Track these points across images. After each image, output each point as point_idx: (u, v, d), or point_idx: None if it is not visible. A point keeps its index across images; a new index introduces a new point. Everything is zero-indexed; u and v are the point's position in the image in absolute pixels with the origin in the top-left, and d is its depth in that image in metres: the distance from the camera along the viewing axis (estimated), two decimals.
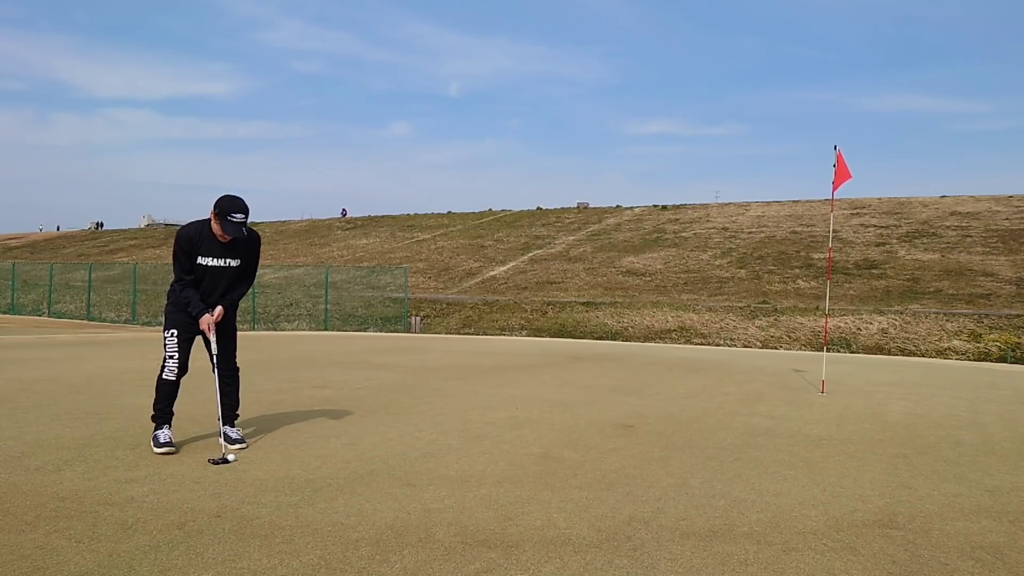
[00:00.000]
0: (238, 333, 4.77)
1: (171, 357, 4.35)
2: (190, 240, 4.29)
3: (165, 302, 4.53)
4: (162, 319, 4.59)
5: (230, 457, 4.21)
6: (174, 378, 4.36)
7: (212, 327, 4.39)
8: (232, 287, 4.49)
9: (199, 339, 4.50)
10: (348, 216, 71.60)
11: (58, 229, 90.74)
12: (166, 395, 4.37)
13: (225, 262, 4.38)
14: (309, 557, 2.83)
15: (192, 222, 4.41)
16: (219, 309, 4.42)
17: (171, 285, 4.46)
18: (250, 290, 5.76)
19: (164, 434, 4.33)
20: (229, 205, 4.22)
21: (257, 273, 4.75)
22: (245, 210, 4.26)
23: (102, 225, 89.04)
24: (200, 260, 4.32)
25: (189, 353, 4.43)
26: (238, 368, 4.68)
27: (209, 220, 4.33)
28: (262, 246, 4.79)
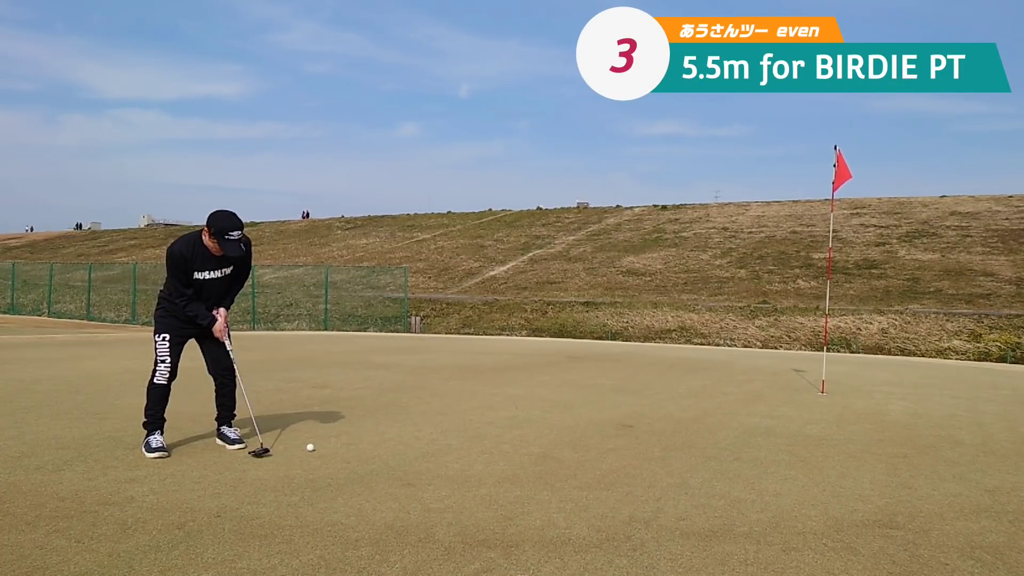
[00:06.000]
0: (232, 332, 4.82)
1: (162, 361, 4.36)
2: (184, 258, 4.29)
3: (155, 305, 4.54)
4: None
5: (266, 448, 4.39)
6: (165, 382, 4.36)
7: (224, 332, 4.47)
8: (227, 292, 4.57)
9: (191, 342, 4.54)
10: (311, 217, 70.94)
11: (31, 230, 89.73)
12: (157, 400, 4.37)
13: (220, 272, 4.43)
14: (309, 557, 2.83)
15: (182, 238, 4.40)
16: (223, 311, 4.50)
17: (161, 291, 4.48)
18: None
19: (156, 439, 4.33)
20: (225, 223, 4.23)
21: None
22: (240, 226, 4.28)
23: (81, 225, 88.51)
24: (196, 275, 4.34)
25: (180, 357, 4.45)
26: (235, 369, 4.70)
27: (200, 235, 4.34)
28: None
